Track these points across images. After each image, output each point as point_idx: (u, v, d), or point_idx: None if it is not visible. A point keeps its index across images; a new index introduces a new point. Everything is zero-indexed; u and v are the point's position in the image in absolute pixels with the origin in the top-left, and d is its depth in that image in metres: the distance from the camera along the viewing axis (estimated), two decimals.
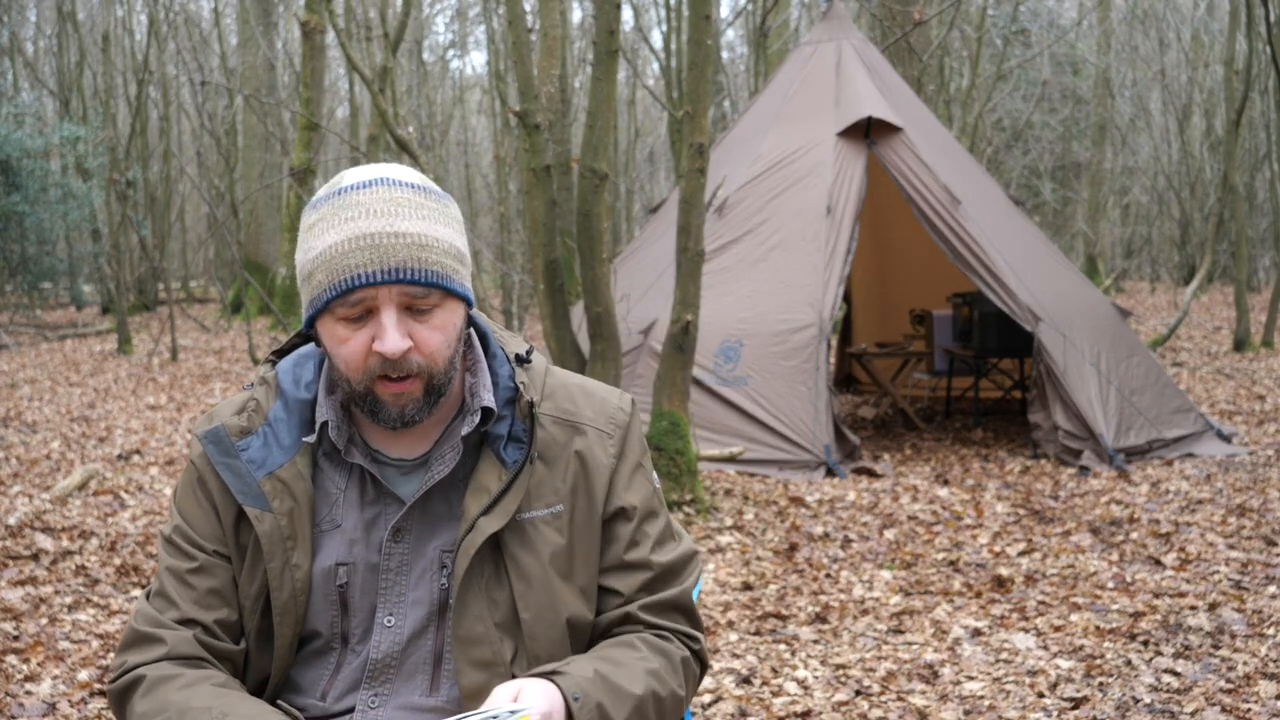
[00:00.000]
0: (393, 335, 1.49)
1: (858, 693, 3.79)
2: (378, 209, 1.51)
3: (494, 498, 1.56)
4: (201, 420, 1.67)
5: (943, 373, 9.37)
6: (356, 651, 1.59)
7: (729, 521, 5.97)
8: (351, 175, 1.57)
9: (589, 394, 1.69)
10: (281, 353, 1.71)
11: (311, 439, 1.60)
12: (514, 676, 1.53)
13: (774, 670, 4.00)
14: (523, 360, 1.65)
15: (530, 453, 1.58)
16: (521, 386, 1.61)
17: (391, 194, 1.53)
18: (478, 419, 1.58)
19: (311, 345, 1.68)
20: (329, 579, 1.58)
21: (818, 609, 4.66)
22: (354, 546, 1.59)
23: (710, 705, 3.70)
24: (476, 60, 46.45)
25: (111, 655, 4.08)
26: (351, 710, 1.57)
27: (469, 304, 1.59)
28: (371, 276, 1.48)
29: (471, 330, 1.66)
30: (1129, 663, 3.95)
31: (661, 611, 1.64)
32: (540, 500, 1.60)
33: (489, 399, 1.59)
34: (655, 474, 1.74)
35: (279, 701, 1.59)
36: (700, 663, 1.69)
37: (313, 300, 1.54)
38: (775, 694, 3.79)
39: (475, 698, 1.52)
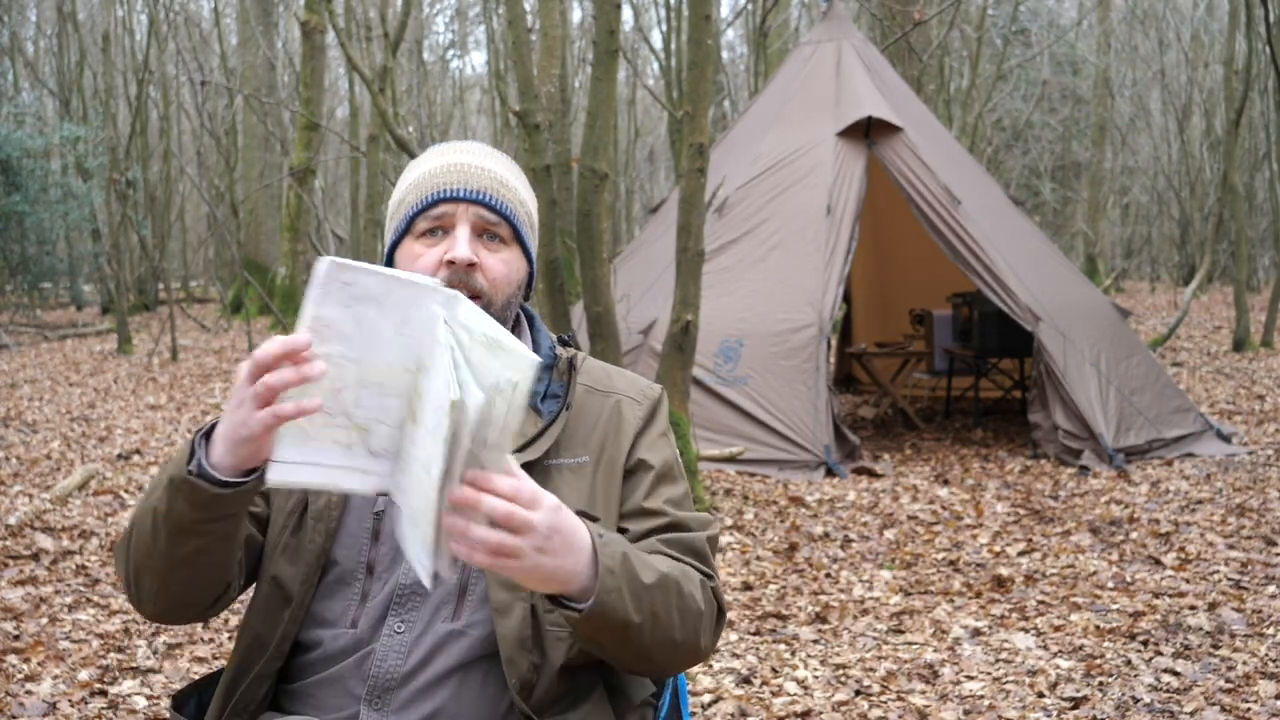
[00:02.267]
0: (464, 244, 1.66)
1: (858, 693, 3.80)
2: (472, 150, 1.74)
3: (528, 440, 1.67)
4: None
5: (943, 373, 9.37)
6: (383, 580, 1.65)
7: (729, 521, 5.98)
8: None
9: (623, 374, 1.84)
10: None
11: None
12: (533, 606, 1.60)
13: (774, 670, 4.00)
14: (565, 342, 1.82)
15: (566, 400, 1.71)
16: (561, 352, 1.77)
17: (484, 148, 1.76)
18: None
19: None
20: (368, 503, 1.67)
21: (818, 609, 4.66)
22: None
23: (710, 705, 3.70)
24: (476, 60, 46.46)
25: (112, 655, 4.08)
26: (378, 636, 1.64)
27: (530, 269, 1.74)
28: (455, 192, 1.68)
29: (520, 311, 1.80)
30: (1129, 662, 3.95)
31: (676, 548, 1.68)
32: (568, 451, 1.71)
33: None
34: (680, 460, 1.82)
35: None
36: (717, 600, 1.70)
37: (398, 224, 1.71)
38: (775, 694, 3.80)
39: (503, 613, 1.60)
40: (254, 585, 1.72)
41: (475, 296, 1.64)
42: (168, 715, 1.79)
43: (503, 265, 1.68)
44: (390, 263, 1.72)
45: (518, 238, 1.70)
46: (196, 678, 1.91)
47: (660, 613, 1.53)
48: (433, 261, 1.65)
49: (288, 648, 1.65)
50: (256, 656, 1.65)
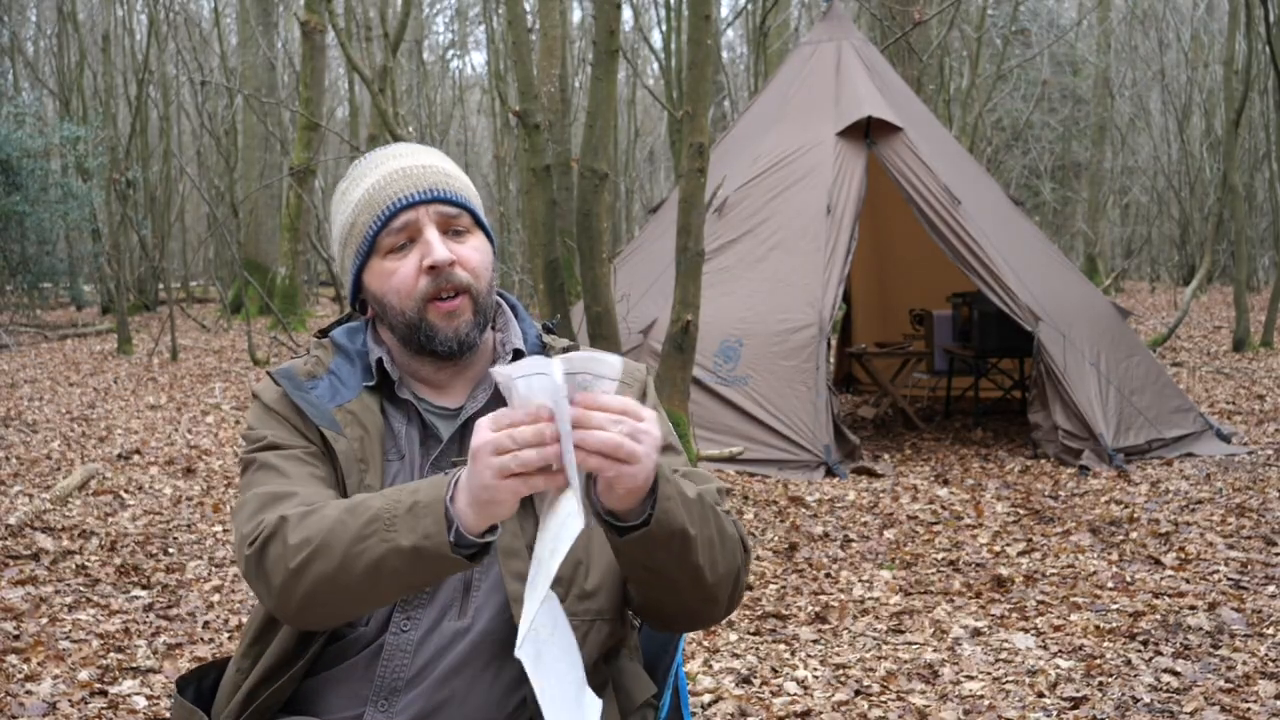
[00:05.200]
0: (439, 246, 1.64)
1: (858, 692, 3.80)
2: (402, 153, 1.72)
3: None
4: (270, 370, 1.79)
5: (943, 373, 9.37)
6: None
7: None
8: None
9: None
10: (325, 333, 1.82)
11: (371, 383, 1.71)
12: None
13: (774, 670, 4.00)
14: (549, 330, 1.82)
15: None
16: (549, 340, 1.77)
17: (411, 146, 1.75)
18: (510, 358, 1.71)
19: (358, 321, 1.79)
20: None
21: (818, 609, 4.66)
22: (416, 476, 1.67)
23: (710, 705, 3.70)
24: (476, 60, 46.47)
25: (112, 655, 4.08)
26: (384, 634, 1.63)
27: (493, 245, 1.75)
28: (410, 198, 1.66)
29: (502, 301, 1.79)
30: (1129, 662, 3.95)
31: None
32: None
33: (519, 344, 1.73)
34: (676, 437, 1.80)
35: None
36: (740, 535, 1.66)
37: (359, 248, 1.68)
38: (775, 694, 3.80)
39: (519, 601, 1.57)
40: None
41: (463, 291, 1.65)
42: (168, 715, 1.78)
43: (477, 253, 1.68)
44: (358, 287, 1.71)
45: (477, 222, 1.71)
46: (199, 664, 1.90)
47: (707, 528, 1.51)
48: (411, 273, 1.65)
49: (319, 649, 1.62)
50: (293, 658, 1.62)
